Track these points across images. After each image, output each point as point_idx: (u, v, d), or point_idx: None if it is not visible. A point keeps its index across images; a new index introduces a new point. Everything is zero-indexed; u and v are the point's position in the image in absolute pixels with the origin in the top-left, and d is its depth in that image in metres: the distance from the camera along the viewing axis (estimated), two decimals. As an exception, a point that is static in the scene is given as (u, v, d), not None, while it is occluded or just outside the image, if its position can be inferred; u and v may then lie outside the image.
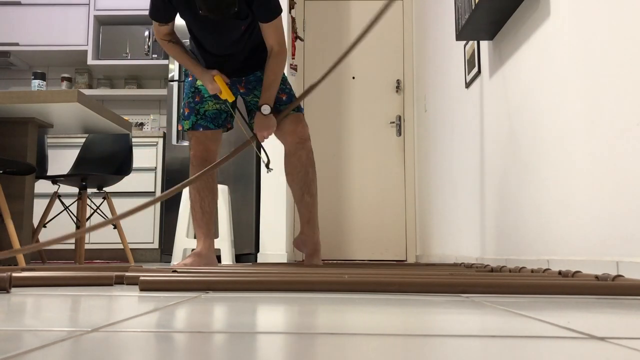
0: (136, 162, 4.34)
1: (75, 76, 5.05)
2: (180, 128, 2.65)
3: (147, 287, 1.25)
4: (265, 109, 2.38)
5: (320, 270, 1.79)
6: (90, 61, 4.82)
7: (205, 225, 2.51)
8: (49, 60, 5.06)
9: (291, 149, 2.56)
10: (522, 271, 1.97)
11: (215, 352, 0.56)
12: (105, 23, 4.94)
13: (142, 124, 5.03)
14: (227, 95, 2.44)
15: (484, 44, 2.82)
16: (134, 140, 4.32)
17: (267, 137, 2.42)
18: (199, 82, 2.55)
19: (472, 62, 2.99)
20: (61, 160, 4.38)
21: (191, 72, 2.54)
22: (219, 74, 2.42)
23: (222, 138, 2.64)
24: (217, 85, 2.41)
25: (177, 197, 4.00)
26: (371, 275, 1.34)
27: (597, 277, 1.37)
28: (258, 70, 2.56)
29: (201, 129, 2.54)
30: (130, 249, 4.25)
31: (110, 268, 1.79)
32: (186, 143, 4.31)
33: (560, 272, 1.59)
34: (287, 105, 2.54)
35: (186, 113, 2.58)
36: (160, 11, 2.38)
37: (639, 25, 1.44)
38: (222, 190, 3.69)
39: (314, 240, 2.67)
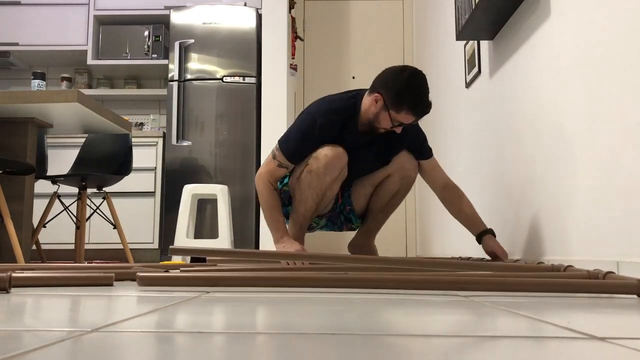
0: (136, 162, 4.34)
1: (75, 76, 5.05)
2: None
3: (147, 283, 1.25)
4: (489, 233, 2.25)
5: (321, 265, 1.78)
6: (90, 61, 4.82)
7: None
8: (48, 60, 5.06)
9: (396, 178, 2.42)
10: (516, 262, 1.98)
11: (215, 352, 0.56)
12: (105, 23, 4.93)
13: (142, 124, 5.03)
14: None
15: (484, 44, 2.82)
16: (133, 140, 4.32)
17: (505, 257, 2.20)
18: None
19: (472, 62, 2.99)
20: (61, 160, 4.38)
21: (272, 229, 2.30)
22: (303, 248, 2.27)
23: None
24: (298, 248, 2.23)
25: (177, 197, 4.00)
26: (371, 273, 1.33)
27: (589, 272, 1.38)
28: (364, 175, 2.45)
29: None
30: (130, 249, 4.25)
31: (110, 268, 1.79)
32: (186, 143, 4.30)
33: (552, 266, 1.59)
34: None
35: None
36: (307, 149, 2.25)
37: (638, 24, 1.44)
38: (222, 190, 3.69)
39: (370, 245, 2.58)
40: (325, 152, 2.22)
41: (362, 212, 2.53)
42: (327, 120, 2.24)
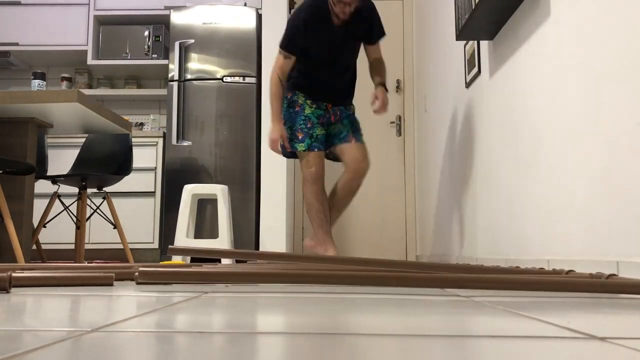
0: (136, 162, 4.34)
1: (75, 76, 5.05)
2: (289, 149, 3.07)
3: (146, 279, 1.25)
4: (383, 85, 3.05)
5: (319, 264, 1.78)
6: (90, 61, 4.82)
7: (329, 230, 3.06)
8: (49, 60, 5.06)
9: (349, 176, 3.08)
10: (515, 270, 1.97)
11: (215, 352, 0.56)
12: (105, 23, 4.94)
13: (142, 124, 5.03)
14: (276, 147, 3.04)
15: (484, 44, 2.82)
16: (133, 140, 4.32)
17: (382, 110, 3.01)
18: (307, 111, 3.05)
19: (472, 62, 2.99)
20: (61, 160, 4.38)
21: (273, 108, 3.03)
22: (284, 132, 3.01)
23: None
24: (278, 136, 2.98)
25: (177, 197, 4.00)
26: (368, 270, 1.33)
27: (591, 274, 1.37)
28: (346, 104, 3.18)
29: (316, 150, 3.03)
30: (130, 249, 4.25)
31: (110, 268, 1.79)
32: (186, 143, 4.30)
33: (554, 270, 1.59)
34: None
35: (300, 137, 3.03)
36: (298, 40, 2.93)
37: (638, 25, 1.44)
38: (222, 190, 3.69)
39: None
40: (308, 171, 3.00)
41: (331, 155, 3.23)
42: (307, 15, 2.90)
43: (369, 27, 3.03)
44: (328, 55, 3.00)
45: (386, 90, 3.03)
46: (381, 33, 3.10)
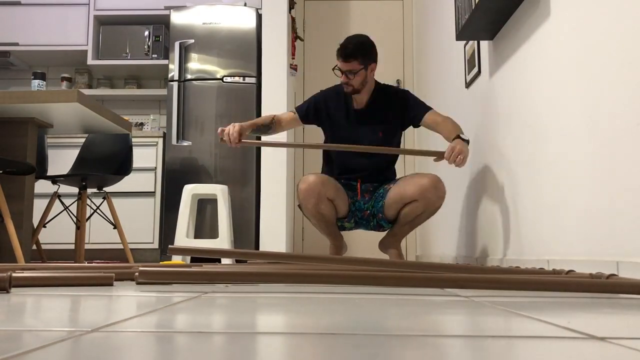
0: (136, 162, 4.34)
1: (75, 76, 5.05)
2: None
3: (146, 278, 1.25)
4: (464, 137, 2.62)
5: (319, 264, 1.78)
6: (90, 61, 4.82)
7: (335, 235, 2.98)
8: (49, 60, 5.05)
9: (423, 193, 2.73)
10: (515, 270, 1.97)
11: (215, 352, 0.56)
12: (105, 23, 4.93)
13: (142, 124, 5.03)
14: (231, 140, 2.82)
15: (484, 44, 2.82)
16: (133, 140, 4.31)
17: (459, 162, 2.54)
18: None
19: (472, 62, 2.99)
20: (61, 160, 4.38)
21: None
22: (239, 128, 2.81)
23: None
24: (232, 130, 2.78)
25: (177, 197, 4.00)
26: (368, 270, 1.33)
27: (591, 274, 1.37)
28: (383, 184, 2.92)
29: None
30: (130, 249, 4.25)
31: (110, 268, 1.79)
32: (186, 143, 4.30)
33: (554, 270, 1.59)
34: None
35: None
36: (310, 116, 3.01)
37: (638, 25, 1.44)
38: (222, 190, 3.69)
39: (395, 247, 2.98)
40: (300, 186, 2.78)
41: (393, 220, 2.91)
42: (327, 92, 3.07)
43: (399, 113, 2.90)
44: (343, 135, 2.91)
45: (465, 141, 2.61)
46: (419, 114, 2.87)
